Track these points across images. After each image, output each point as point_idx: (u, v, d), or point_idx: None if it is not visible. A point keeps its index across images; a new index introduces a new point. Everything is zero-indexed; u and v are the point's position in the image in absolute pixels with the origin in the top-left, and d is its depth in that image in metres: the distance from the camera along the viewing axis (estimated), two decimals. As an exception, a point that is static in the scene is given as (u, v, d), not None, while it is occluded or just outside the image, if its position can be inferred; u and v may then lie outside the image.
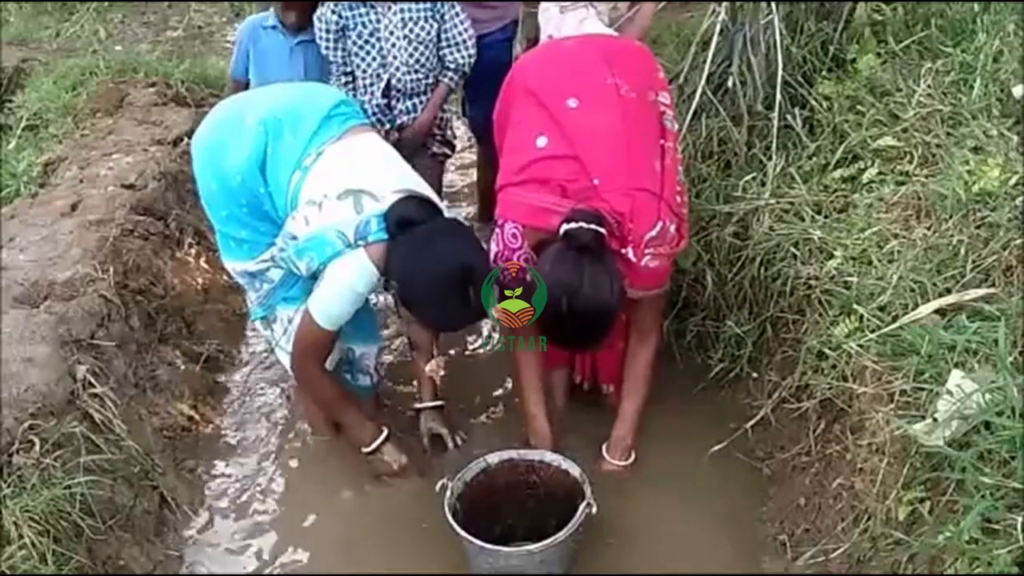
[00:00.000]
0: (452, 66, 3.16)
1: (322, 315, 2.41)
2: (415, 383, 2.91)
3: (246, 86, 3.30)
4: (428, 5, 3.05)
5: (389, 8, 3.02)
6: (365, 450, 2.66)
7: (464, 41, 3.12)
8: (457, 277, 2.27)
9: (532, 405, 2.65)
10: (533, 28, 3.22)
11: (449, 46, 3.12)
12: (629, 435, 2.68)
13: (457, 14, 3.11)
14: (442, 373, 2.75)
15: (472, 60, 3.17)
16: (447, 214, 2.48)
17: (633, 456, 2.69)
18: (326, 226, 2.34)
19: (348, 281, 2.36)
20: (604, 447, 2.70)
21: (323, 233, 2.34)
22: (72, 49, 5.33)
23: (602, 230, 2.23)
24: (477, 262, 2.32)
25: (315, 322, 2.42)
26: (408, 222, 2.30)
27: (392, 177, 2.43)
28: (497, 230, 2.48)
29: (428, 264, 2.28)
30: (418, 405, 2.82)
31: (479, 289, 2.29)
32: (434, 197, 2.48)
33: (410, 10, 3.03)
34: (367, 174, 2.41)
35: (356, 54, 3.09)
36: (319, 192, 2.38)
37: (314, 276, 2.43)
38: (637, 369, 2.63)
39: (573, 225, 2.23)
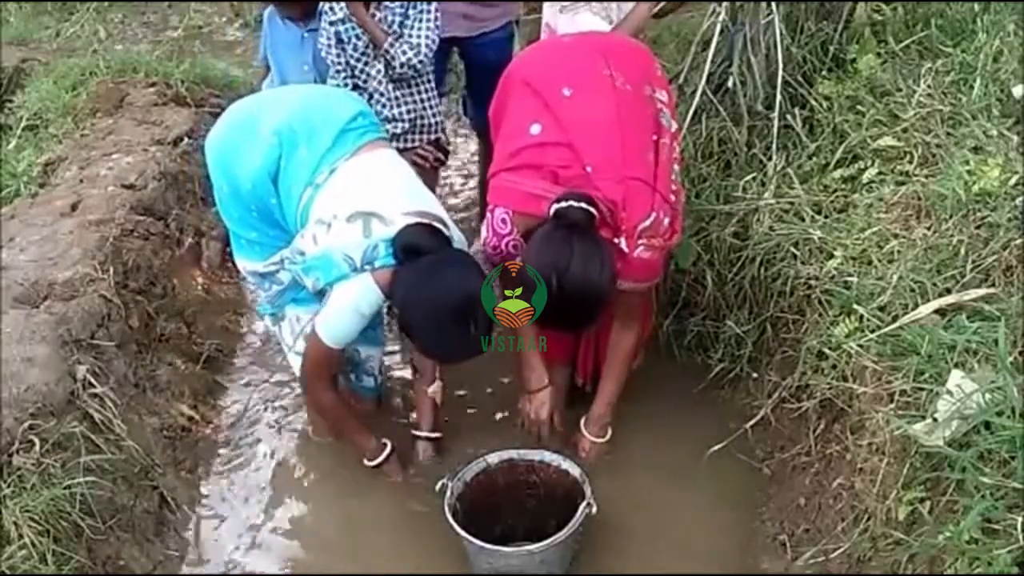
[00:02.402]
0: (402, 59, 3.01)
1: (327, 335, 2.42)
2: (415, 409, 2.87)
3: (271, 70, 3.37)
4: (401, 11, 3.00)
5: (373, 17, 3.00)
6: (368, 464, 2.69)
7: (419, 44, 3.02)
8: (458, 309, 2.26)
9: (530, 356, 2.66)
10: (535, 30, 3.20)
11: (404, 43, 3.02)
12: (607, 413, 2.71)
13: (422, 18, 3.02)
14: (440, 398, 2.74)
15: (418, 64, 3.05)
16: (456, 238, 2.46)
17: (610, 433, 2.72)
18: (333, 247, 2.34)
19: (353, 304, 2.36)
20: (583, 421, 2.73)
21: (330, 254, 2.34)
22: (72, 49, 5.33)
23: (593, 210, 2.22)
24: (478, 293, 2.28)
25: (321, 341, 2.43)
26: (415, 250, 2.29)
27: (403, 198, 2.42)
28: (487, 216, 2.46)
29: (429, 294, 2.27)
30: (416, 433, 2.78)
31: (480, 323, 2.27)
32: (445, 218, 2.45)
33: (386, 19, 3.00)
34: (378, 195, 2.40)
35: (356, 67, 3.08)
36: (329, 212, 2.38)
37: (320, 293, 2.44)
38: (619, 350, 2.64)
39: (563, 204, 2.22)
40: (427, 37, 3.03)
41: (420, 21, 3.02)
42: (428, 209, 2.43)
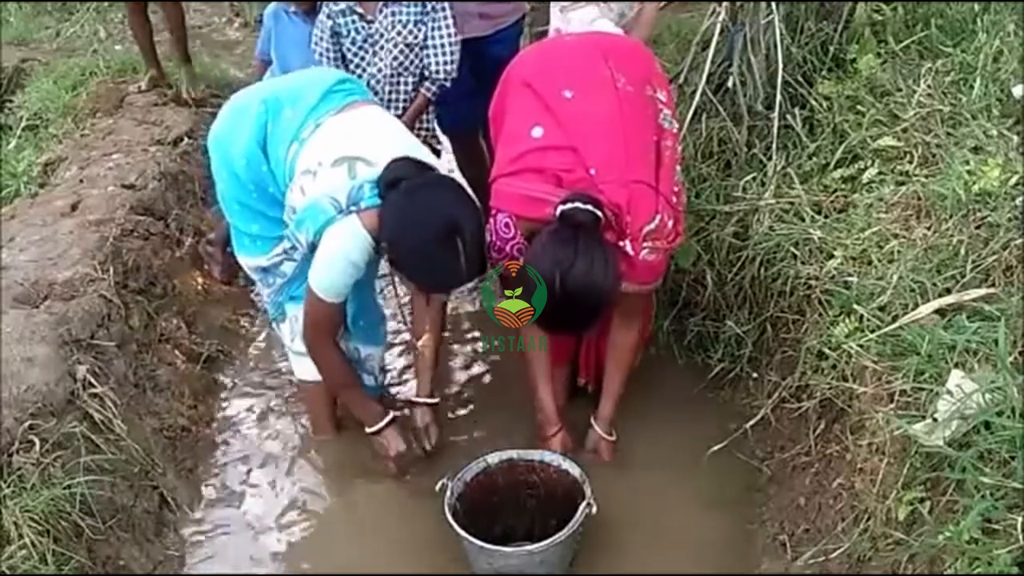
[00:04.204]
0: (431, 73, 3.10)
1: (320, 287, 2.39)
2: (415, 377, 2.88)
3: (268, 65, 3.39)
4: (417, 10, 3.02)
5: (380, 12, 3.01)
6: (368, 430, 2.66)
7: (446, 46, 3.06)
8: (443, 230, 2.22)
9: (540, 390, 2.68)
10: (543, 21, 3.21)
11: (431, 47, 3.06)
12: (613, 411, 2.73)
13: (445, 18, 3.05)
14: (433, 353, 2.74)
15: (452, 69, 3.10)
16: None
17: (614, 434, 2.75)
18: (320, 193, 2.33)
19: (341, 249, 2.33)
20: (593, 421, 2.75)
21: (317, 201, 2.33)
22: (72, 49, 5.32)
23: (599, 212, 2.22)
24: (464, 214, 2.25)
25: (316, 295, 2.41)
26: (398, 181, 2.27)
27: (391, 144, 2.40)
28: (490, 220, 2.45)
29: (412, 219, 2.23)
30: (413, 399, 2.79)
31: (467, 243, 2.23)
32: (435, 162, 2.42)
33: (400, 13, 3.02)
34: (364, 141, 2.39)
35: (352, 60, 3.08)
36: (314, 161, 2.37)
37: (314, 249, 2.42)
38: (621, 349, 2.66)
39: (569, 205, 2.22)
40: (451, 42, 3.07)
41: (439, 29, 3.05)
42: (419, 157, 2.40)
